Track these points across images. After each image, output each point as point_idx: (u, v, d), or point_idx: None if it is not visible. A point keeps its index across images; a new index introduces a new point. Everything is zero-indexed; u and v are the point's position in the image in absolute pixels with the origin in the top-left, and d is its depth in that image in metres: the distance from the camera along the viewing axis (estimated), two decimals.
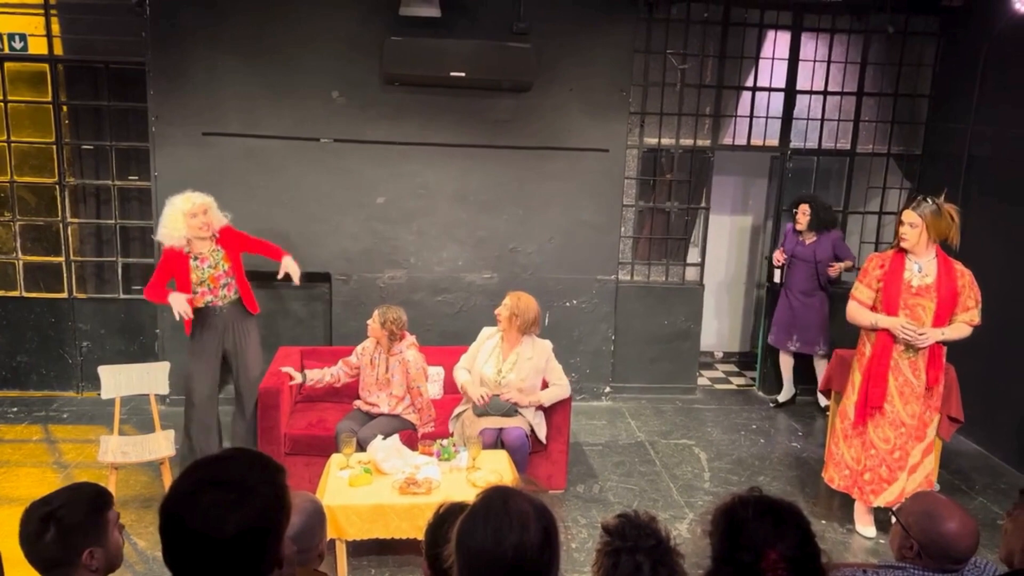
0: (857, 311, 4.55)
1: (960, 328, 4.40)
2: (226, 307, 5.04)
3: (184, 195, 4.92)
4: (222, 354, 5.12)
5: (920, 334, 4.31)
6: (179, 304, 4.78)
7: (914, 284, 4.37)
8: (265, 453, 1.56)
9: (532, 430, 4.93)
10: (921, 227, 4.33)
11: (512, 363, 4.95)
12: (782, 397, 6.88)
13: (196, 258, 4.93)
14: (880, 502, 4.57)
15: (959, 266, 4.42)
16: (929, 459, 4.56)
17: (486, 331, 5.14)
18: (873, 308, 4.49)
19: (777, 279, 6.80)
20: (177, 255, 4.89)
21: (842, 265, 6.43)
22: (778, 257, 6.66)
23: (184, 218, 4.84)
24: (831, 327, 6.58)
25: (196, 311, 4.95)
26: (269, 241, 5.34)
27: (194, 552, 1.38)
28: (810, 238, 6.47)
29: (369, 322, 4.94)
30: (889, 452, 4.52)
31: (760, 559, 1.76)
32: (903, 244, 4.39)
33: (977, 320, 4.41)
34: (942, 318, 4.35)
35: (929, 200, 4.36)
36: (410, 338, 5.02)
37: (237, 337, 5.10)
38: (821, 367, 6.65)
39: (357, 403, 5.07)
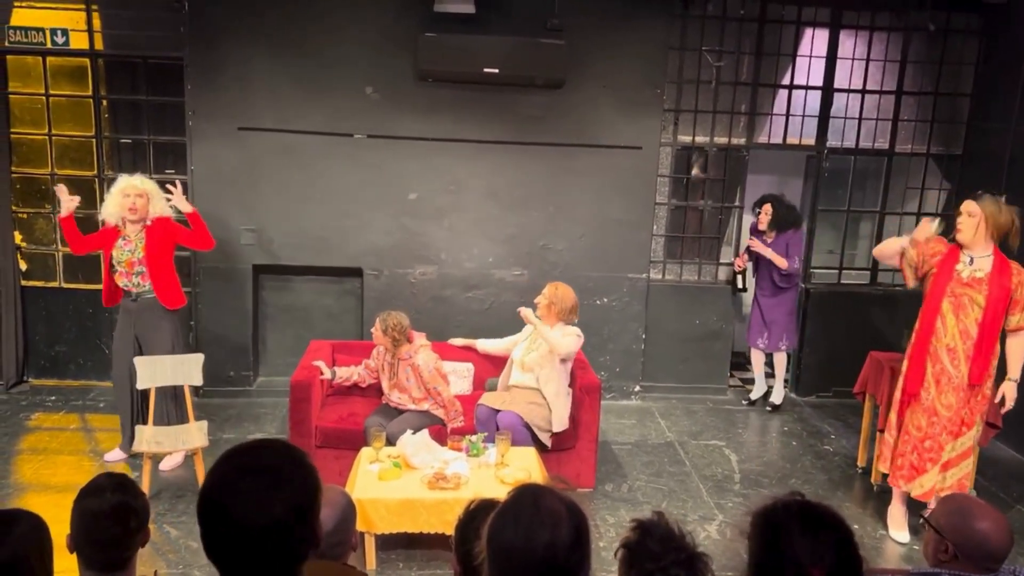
0: (885, 242, 4.74)
1: (1018, 351, 4.38)
2: (139, 296, 5.11)
3: (130, 176, 5.12)
4: (135, 341, 5.16)
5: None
6: (66, 201, 5.09)
7: (964, 275, 4.32)
8: (282, 439, 1.58)
9: (541, 425, 4.94)
10: (979, 217, 4.26)
11: (537, 343, 5.09)
12: (754, 395, 6.89)
13: (124, 238, 5.07)
14: (912, 490, 4.55)
15: (1016, 265, 4.32)
16: (967, 463, 4.48)
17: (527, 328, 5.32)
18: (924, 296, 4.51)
19: (740, 285, 6.73)
20: (111, 231, 5.10)
21: (740, 261, 6.53)
22: (737, 263, 6.65)
23: (119, 196, 5.02)
24: (803, 325, 6.63)
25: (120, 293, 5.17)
26: (196, 230, 5.30)
27: (238, 540, 1.39)
28: (771, 237, 6.45)
29: (372, 330, 4.96)
30: (920, 440, 4.49)
31: (803, 573, 1.71)
32: (959, 236, 4.33)
33: None
34: (993, 314, 4.28)
35: (989, 195, 4.29)
36: (419, 340, 5.02)
37: (147, 329, 5.14)
38: (780, 362, 6.69)
39: (385, 398, 5.10)
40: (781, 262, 6.33)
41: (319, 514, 1.47)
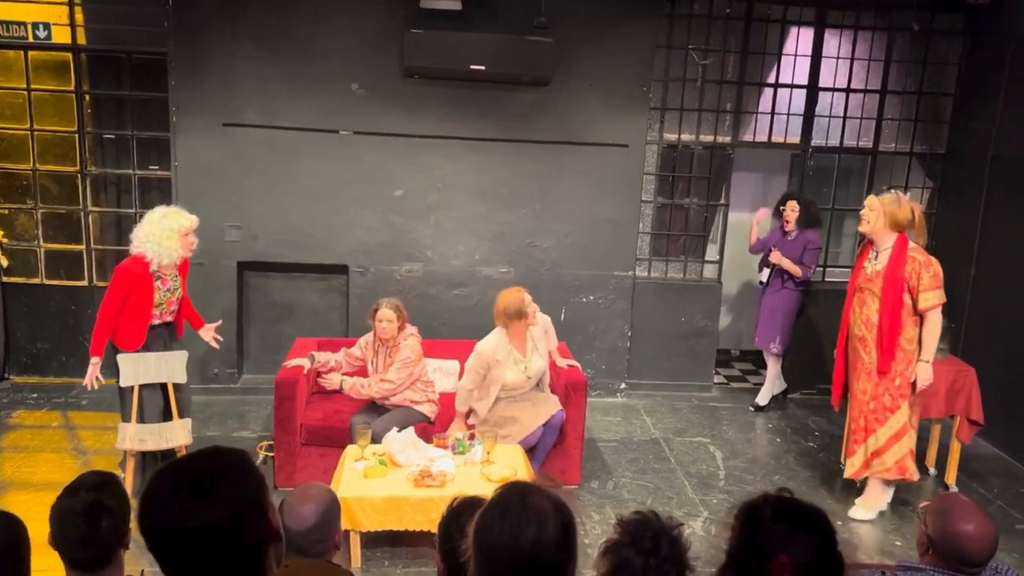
0: None
1: (929, 333, 4.57)
2: (160, 325, 4.81)
3: (175, 211, 4.70)
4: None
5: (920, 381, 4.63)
6: (94, 373, 4.62)
7: (868, 271, 4.64)
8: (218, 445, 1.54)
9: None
10: (878, 211, 4.56)
11: (531, 350, 5.00)
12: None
13: (160, 278, 4.67)
14: (845, 472, 4.93)
15: (913, 253, 4.53)
16: (899, 446, 4.69)
17: (487, 349, 4.87)
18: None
19: (766, 279, 6.55)
20: (143, 275, 4.58)
21: (777, 258, 6.34)
22: (773, 256, 6.42)
23: (179, 237, 4.61)
24: (798, 327, 6.58)
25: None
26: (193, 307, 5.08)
27: (184, 551, 1.37)
28: (794, 234, 6.41)
29: (383, 324, 4.84)
30: (852, 422, 4.85)
31: (769, 561, 1.73)
32: (860, 227, 4.69)
33: (932, 302, 4.52)
34: (888, 304, 4.54)
35: (893, 191, 4.62)
36: (410, 329, 5.01)
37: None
38: (771, 364, 6.66)
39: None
40: (795, 270, 6.28)
41: (269, 508, 1.44)
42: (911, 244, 4.56)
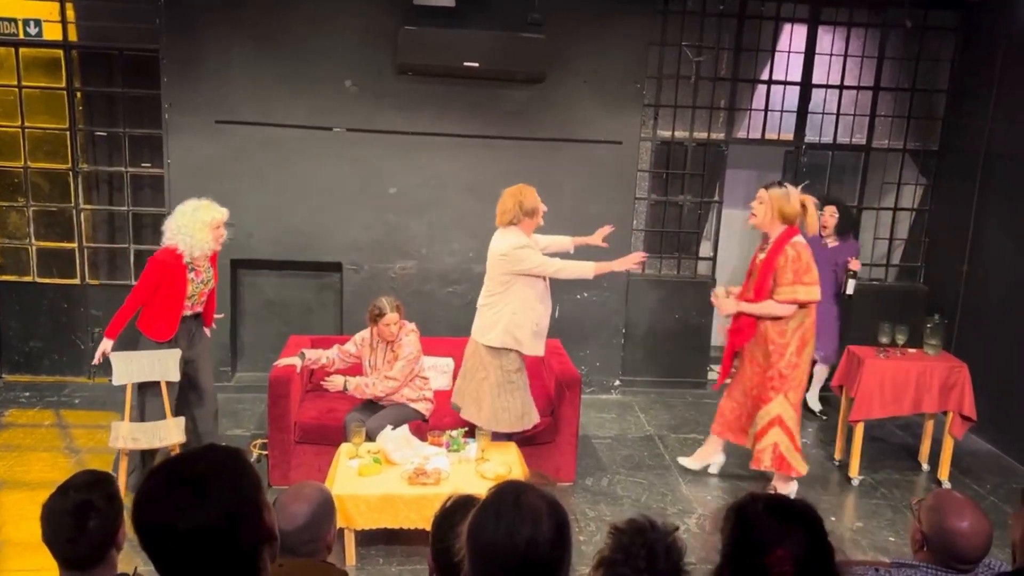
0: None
1: (765, 304, 4.67)
2: (189, 316, 4.84)
3: (207, 204, 4.71)
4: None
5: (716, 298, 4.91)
6: (103, 349, 4.66)
7: (758, 260, 4.77)
8: (215, 444, 1.53)
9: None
10: (767, 204, 4.65)
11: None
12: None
13: (193, 270, 4.71)
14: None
15: (790, 248, 4.59)
16: (770, 435, 4.78)
17: (522, 239, 4.82)
18: None
19: (851, 291, 5.91)
20: (177, 266, 4.63)
21: (857, 266, 5.95)
22: (853, 264, 5.92)
23: (210, 230, 4.65)
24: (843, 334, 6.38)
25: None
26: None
27: (179, 551, 1.36)
28: (834, 242, 6.17)
29: (391, 328, 4.81)
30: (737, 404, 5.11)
31: (766, 556, 1.75)
32: (750, 220, 4.80)
33: (786, 298, 4.59)
34: (759, 290, 4.67)
35: (784, 185, 4.67)
36: (409, 325, 5.01)
37: (197, 346, 4.92)
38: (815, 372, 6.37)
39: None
40: (850, 287, 5.88)
41: (264, 507, 1.43)
42: (795, 238, 4.60)
